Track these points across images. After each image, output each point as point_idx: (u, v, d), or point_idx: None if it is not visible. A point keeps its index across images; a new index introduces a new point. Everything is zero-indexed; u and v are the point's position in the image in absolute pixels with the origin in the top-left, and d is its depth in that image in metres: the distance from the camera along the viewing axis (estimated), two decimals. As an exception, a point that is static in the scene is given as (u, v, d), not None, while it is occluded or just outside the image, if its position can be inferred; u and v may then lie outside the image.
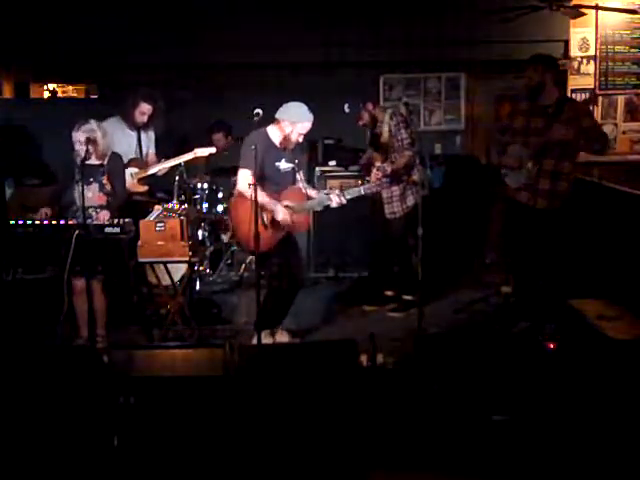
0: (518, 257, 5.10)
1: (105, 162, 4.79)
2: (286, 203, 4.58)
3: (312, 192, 4.78)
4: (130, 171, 5.42)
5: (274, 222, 4.56)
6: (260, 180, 4.43)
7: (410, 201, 5.42)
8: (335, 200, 4.61)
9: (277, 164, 4.64)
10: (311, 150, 6.88)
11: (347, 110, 5.35)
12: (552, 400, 3.60)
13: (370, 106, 5.43)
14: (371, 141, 5.60)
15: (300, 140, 4.67)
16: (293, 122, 4.57)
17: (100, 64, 6.93)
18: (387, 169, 5.33)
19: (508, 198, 4.99)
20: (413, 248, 5.32)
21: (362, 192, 4.72)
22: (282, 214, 4.52)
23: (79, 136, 4.65)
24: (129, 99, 5.59)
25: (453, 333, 5.06)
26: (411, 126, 5.35)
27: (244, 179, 4.52)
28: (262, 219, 4.47)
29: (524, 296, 5.03)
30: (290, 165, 4.71)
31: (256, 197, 4.17)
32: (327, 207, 4.73)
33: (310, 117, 4.61)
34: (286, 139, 4.64)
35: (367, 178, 5.62)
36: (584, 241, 5.12)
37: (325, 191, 4.93)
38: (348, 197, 4.66)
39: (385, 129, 5.36)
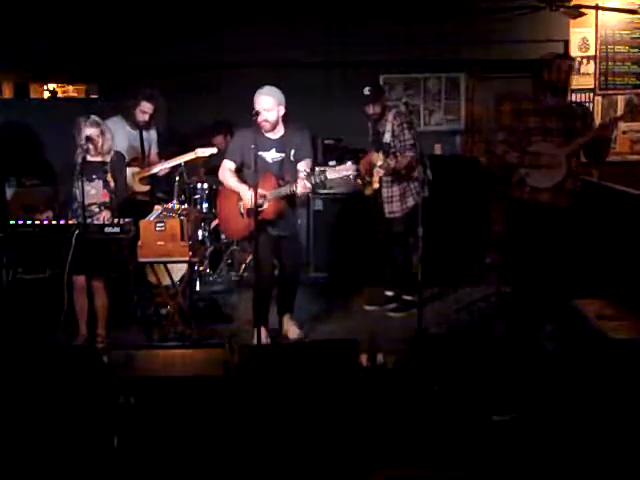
0: (531, 259, 4.99)
1: (108, 159, 4.79)
2: (260, 191, 4.60)
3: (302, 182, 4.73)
4: (131, 170, 5.43)
5: (250, 210, 4.63)
6: (245, 169, 4.75)
7: (410, 202, 5.42)
8: (300, 185, 4.57)
9: (261, 154, 4.67)
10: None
11: (367, 92, 5.31)
12: (552, 400, 3.60)
13: (384, 98, 5.44)
14: (373, 139, 5.59)
15: (267, 118, 4.64)
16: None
17: (100, 64, 6.93)
18: (390, 164, 5.28)
19: (521, 200, 4.77)
20: (413, 248, 5.32)
21: (327, 176, 4.58)
22: (247, 201, 4.65)
23: (87, 131, 4.65)
24: (130, 98, 5.61)
25: (453, 333, 5.06)
26: (414, 127, 5.33)
27: (223, 168, 4.86)
28: (239, 207, 4.77)
29: (526, 296, 5.01)
30: (280, 155, 4.76)
31: (257, 189, 4.30)
32: (295, 194, 4.67)
33: (262, 92, 4.66)
34: (257, 123, 4.66)
35: (367, 178, 5.62)
36: (584, 241, 5.12)
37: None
38: (313, 182, 4.61)
39: (388, 128, 5.36)
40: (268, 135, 4.75)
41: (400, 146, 5.33)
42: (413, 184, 5.39)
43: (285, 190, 4.64)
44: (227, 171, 4.82)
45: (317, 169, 4.78)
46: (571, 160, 4.68)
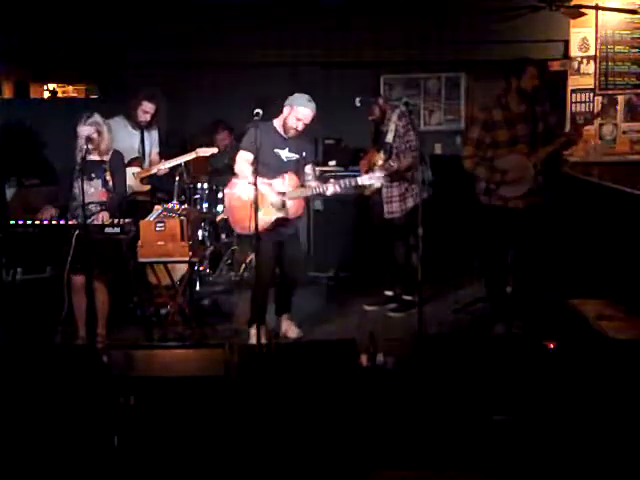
0: (518, 261, 5.03)
1: (107, 158, 4.79)
2: (280, 188, 4.63)
3: (314, 184, 4.80)
4: (132, 170, 5.43)
5: (274, 204, 4.63)
6: (259, 164, 4.56)
7: (409, 202, 5.41)
8: (331, 189, 4.63)
9: (277, 151, 4.70)
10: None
11: (358, 104, 5.30)
12: (552, 400, 3.60)
13: (381, 101, 5.44)
14: (375, 139, 5.57)
15: (299, 128, 4.67)
16: (292, 105, 4.66)
17: (100, 64, 6.92)
18: (393, 165, 5.23)
19: (492, 207, 4.88)
20: (413, 248, 5.31)
21: (359, 182, 4.72)
22: (273, 198, 4.62)
23: (85, 130, 4.63)
24: (132, 98, 5.61)
25: (453, 333, 5.06)
26: (416, 128, 5.32)
27: (241, 160, 4.72)
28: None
29: (523, 295, 5.03)
30: (294, 155, 4.76)
31: (256, 181, 4.27)
32: (321, 195, 4.76)
33: (309, 105, 4.65)
34: (285, 124, 4.70)
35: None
36: (584, 241, 5.11)
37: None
38: (343, 185, 4.66)
39: (392, 128, 5.34)
40: (282, 134, 4.75)
41: (403, 147, 5.31)
42: (413, 185, 5.38)
43: (307, 192, 4.70)
44: (245, 162, 4.70)
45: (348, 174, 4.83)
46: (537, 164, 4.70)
